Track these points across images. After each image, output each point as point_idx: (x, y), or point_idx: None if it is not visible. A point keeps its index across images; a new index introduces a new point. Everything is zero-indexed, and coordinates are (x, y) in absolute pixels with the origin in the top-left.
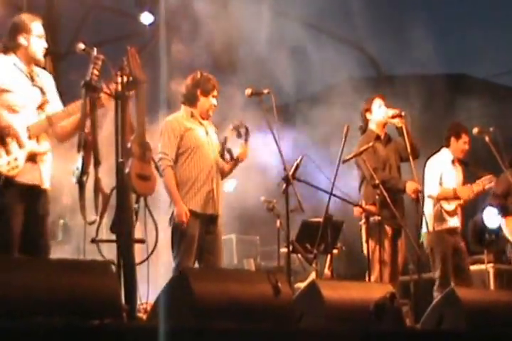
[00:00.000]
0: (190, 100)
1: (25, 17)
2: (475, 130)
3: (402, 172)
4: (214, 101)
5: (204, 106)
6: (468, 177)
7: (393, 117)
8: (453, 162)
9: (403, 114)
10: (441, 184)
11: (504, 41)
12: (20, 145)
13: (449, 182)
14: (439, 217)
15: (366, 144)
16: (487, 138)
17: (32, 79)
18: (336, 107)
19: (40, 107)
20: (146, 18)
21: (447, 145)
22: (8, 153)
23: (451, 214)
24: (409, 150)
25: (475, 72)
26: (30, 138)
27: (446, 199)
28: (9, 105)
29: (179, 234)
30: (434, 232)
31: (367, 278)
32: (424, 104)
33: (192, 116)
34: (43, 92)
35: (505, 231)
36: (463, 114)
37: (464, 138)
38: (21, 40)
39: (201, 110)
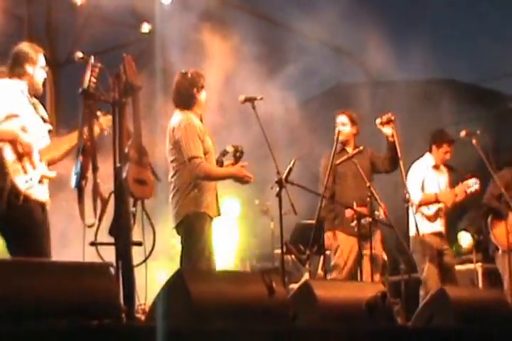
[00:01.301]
0: (189, 102)
1: (32, 47)
2: (462, 133)
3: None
4: (204, 96)
5: (202, 103)
6: (456, 181)
7: (384, 124)
8: (436, 167)
9: (393, 118)
10: (423, 189)
11: (492, 48)
12: (34, 167)
13: (432, 188)
14: (422, 222)
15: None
16: (474, 141)
17: (34, 107)
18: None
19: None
20: (145, 28)
21: (430, 151)
22: (25, 171)
23: (432, 219)
24: (400, 160)
25: (462, 78)
26: (40, 161)
27: (428, 204)
28: (23, 127)
29: (203, 237)
30: (418, 235)
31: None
32: (413, 108)
33: (201, 120)
34: (44, 121)
35: (491, 233)
36: (451, 118)
37: (445, 148)
38: (28, 69)
39: (201, 108)
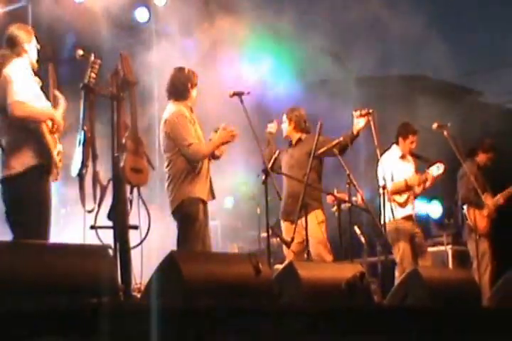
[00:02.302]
0: (183, 94)
1: (23, 28)
2: (434, 125)
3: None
4: (196, 92)
5: (194, 98)
6: (421, 169)
7: (361, 116)
8: (403, 157)
9: (371, 111)
10: (393, 179)
11: (462, 44)
12: (58, 142)
13: (401, 176)
14: (394, 208)
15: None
16: (445, 133)
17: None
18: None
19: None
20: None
21: (397, 143)
22: (55, 147)
23: (403, 205)
24: (377, 149)
25: (434, 74)
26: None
27: (400, 192)
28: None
29: (192, 221)
30: (392, 222)
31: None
32: (387, 102)
33: (191, 111)
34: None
35: (468, 219)
36: (424, 112)
37: (411, 138)
38: (26, 46)
39: (192, 102)
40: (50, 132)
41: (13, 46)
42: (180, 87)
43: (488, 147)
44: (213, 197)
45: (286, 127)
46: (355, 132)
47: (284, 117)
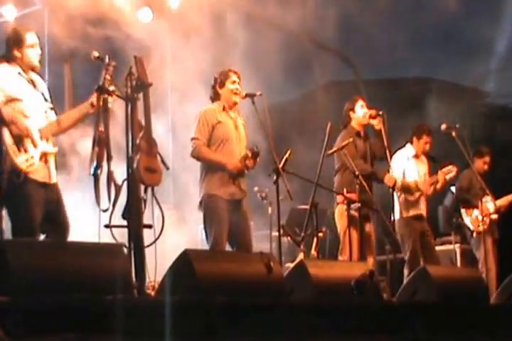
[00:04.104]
0: (215, 95)
1: (18, 29)
2: (443, 126)
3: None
4: (232, 86)
5: (226, 96)
6: (434, 171)
7: (372, 117)
8: (416, 156)
9: (381, 113)
10: (404, 177)
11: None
12: (35, 146)
13: (412, 176)
14: (405, 206)
15: (347, 139)
16: (454, 134)
17: (34, 85)
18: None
19: (45, 111)
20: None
21: (411, 142)
22: (25, 151)
23: (414, 203)
24: (387, 150)
25: (442, 76)
26: (41, 139)
27: (409, 191)
28: (21, 111)
29: (210, 218)
30: (402, 219)
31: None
32: (398, 104)
33: (223, 109)
34: (45, 98)
35: (466, 220)
36: (433, 113)
37: (425, 139)
38: (15, 53)
39: (227, 100)
40: (19, 135)
41: (6, 51)
42: (211, 90)
43: (483, 152)
44: (240, 196)
45: (363, 113)
46: (375, 128)
47: (362, 102)
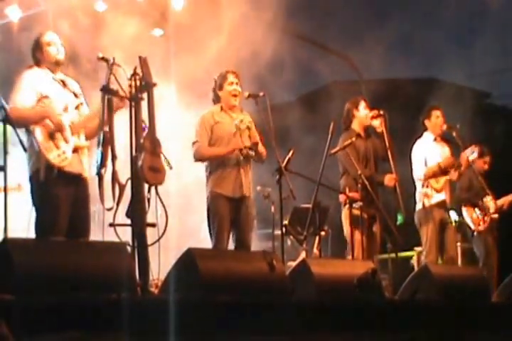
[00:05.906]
0: (216, 98)
1: (37, 35)
2: (444, 126)
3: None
4: (230, 88)
5: (225, 98)
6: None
7: (374, 118)
8: (435, 140)
9: (382, 112)
10: (426, 165)
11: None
12: (66, 141)
13: (435, 160)
14: (428, 195)
15: (349, 140)
16: (454, 134)
17: (64, 84)
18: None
19: (77, 108)
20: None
21: (425, 129)
22: (57, 147)
23: (439, 190)
24: (388, 150)
25: (445, 76)
26: (72, 134)
27: (435, 176)
28: (52, 107)
29: (213, 215)
30: (424, 209)
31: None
32: (399, 105)
33: (221, 110)
34: (76, 96)
35: (467, 219)
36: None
37: (435, 113)
38: (38, 55)
39: (226, 103)
40: (51, 132)
41: (32, 56)
42: (213, 92)
43: (483, 152)
44: (243, 193)
45: (365, 113)
46: (377, 130)
47: (364, 103)
